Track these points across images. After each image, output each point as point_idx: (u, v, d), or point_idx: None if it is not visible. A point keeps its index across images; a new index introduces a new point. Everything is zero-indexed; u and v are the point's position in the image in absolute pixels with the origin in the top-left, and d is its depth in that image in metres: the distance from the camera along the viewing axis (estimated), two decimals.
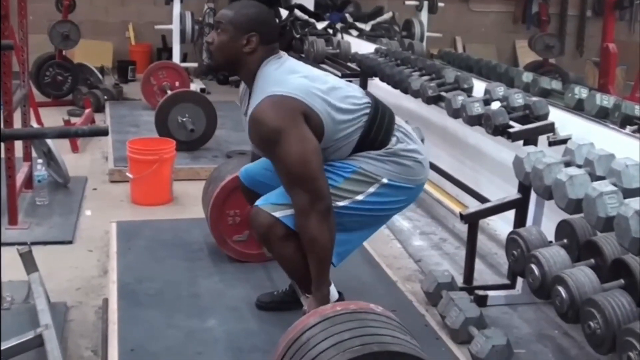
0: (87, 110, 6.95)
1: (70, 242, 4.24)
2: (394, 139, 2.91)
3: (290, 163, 2.71)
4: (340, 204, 2.83)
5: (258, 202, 2.92)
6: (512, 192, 3.63)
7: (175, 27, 8.59)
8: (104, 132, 2.73)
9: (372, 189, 2.87)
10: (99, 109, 7.59)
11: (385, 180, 2.87)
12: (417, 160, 2.95)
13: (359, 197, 2.86)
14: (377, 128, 2.89)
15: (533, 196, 3.43)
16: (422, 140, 4.29)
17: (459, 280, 3.65)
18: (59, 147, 5.16)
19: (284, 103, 2.73)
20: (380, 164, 2.88)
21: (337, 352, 2.06)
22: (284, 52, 2.98)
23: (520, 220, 3.57)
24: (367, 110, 2.88)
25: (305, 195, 2.72)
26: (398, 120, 3.00)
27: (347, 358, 2.03)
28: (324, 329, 2.18)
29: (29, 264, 3.28)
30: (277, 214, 2.83)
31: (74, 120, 6.71)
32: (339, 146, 2.85)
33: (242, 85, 3.10)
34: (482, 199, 4.15)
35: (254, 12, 2.92)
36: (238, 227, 3.82)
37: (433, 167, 4.84)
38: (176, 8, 8.53)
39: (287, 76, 2.82)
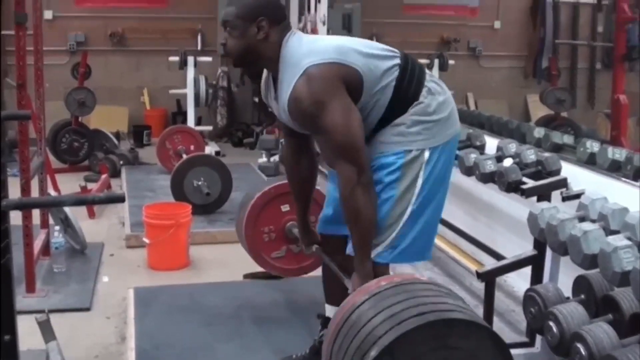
0: (104, 176, 7.00)
1: (87, 309, 4.23)
2: (424, 90, 2.89)
3: (336, 134, 2.73)
4: (410, 209, 2.86)
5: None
6: (527, 248, 3.62)
7: (189, 91, 8.69)
8: (120, 199, 2.75)
9: (421, 174, 2.88)
10: (115, 174, 7.64)
11: (427, 155, 2.87)
12: (446, 115, 2.93)
13: (416, 192, 2.87)
14: (410, 77, 2.89)
15: (549, 252, 3.42)
16: None
17: None
18: (76, 213, 5.19)
19: (321, 73, 2.72)
20: (414, 135, 2.87)
21: (391, 325, 2.02)
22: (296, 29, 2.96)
23: (536, 277, 3.55)
24: (398, 61, 2.89)
25: (351, 167, 2.73)
26: (428, 72, 3.00)
27: (404, 330, 1.99)
28: (373, 306, 2.13)
29: (47, 332, 3.28)
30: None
31: (90, 186, 6.76)
32: (377, 99, 2.84)
33: (264, 76, 3.08)
34: (497, 256, 4.14)
35: None
36: (274, 244, 3.80)
37: (448, 225, 4.88)
38: (190, 73, 8.64)
39: (314, 45, 2.82)
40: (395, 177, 2.85)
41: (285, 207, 3.74)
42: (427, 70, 3.00)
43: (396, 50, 2.94)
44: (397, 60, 2.89)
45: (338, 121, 2.70)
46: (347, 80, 2.74)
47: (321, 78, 2.71)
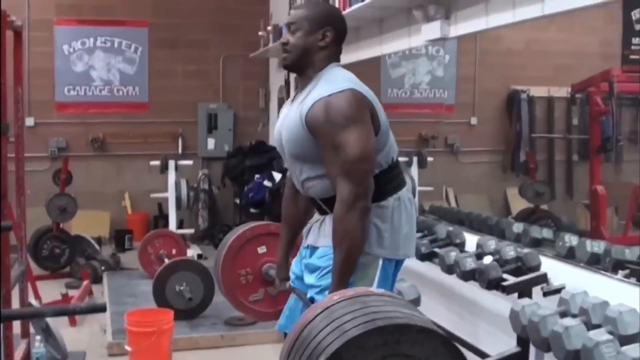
0: (85, 283, 6.96)
1: None
2: (393, 197, 2.96)
3: (353, 152, 2.76)
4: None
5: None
6: (512, 344, 3.62)
7: (170, 194, 8.70)
8: (101, 309, 2.76)
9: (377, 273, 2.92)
10: (97, 280, 7.59)
11: (380, 261, 2.92)
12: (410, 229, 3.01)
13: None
14: (398, 172, 3.01)
15: (532, 348, 3.42)
16: (419, 298, 4.31)
17: None
18: (57, 321, 5.12)
19: (360, 97, 2.83)
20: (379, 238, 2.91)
21: (340, 333, 1.96)
22: None
23: None
24: (396, 148, 3.01)
25: (353, 189, 2.76)
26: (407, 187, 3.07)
27: (351, 336, 1.93)
28: (325, 318, 2.08)
29: None
30: None
31: (72, 293, 6.71)
32: None
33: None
34: (481, 354, 4.12)
35: (326, 7, 3.08)
36: (252, 286, 3.75)
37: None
38: (171, 176, 8.68)
39: (356, 80, 2.92)
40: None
41: (261, 249, 3.73)
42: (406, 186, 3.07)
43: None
44: (396, 147, 3.02)
45: (360, 140, 2.77)
46: (372, 118, 2.86)
47: (358, 100, 2.82)
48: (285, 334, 3.30)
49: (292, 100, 3.06)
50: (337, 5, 5.62)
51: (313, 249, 3.09)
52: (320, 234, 3.04)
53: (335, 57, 3.02)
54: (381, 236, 2.92)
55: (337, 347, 1.93)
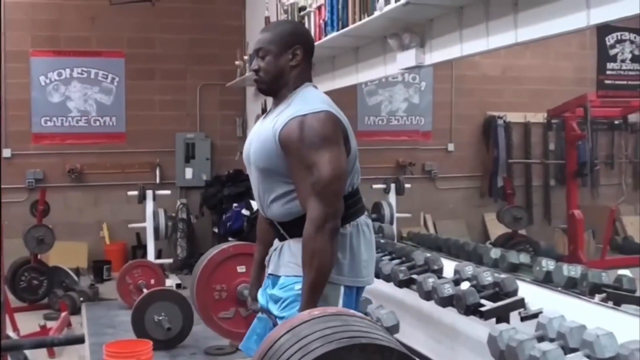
0: (63, 314, 6.90)
1: None
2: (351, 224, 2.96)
3: (326, 173, 2.77)
4: None
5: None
6: None
7: (148, 224, 8.69)
8: (79, 341, 2.76)
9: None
10: (75, 311, 7.53)
11: (342, 289, 2.93)
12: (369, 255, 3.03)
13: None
14: (358, 199, 3.02)
15: None
16: (398, 325, 4.32)
17: None
18: (36, 353, 5.09)
19: (335, 120, 2.85)
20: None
21: (303, 354, 1.96)
22: None
23: None
24: (359, 175, 3.03)
25: (324, 209, 2.76)
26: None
27: (315, 356, 1.93)
28: (291, 337, 2.07)
29: None
30: None
31: (50, 324, 6.66)
32: None
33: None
34: None
35: (290, 26, 3.11)
36: (224, 303, 3.74)
37: (410, 349, 4.86)
38: (149, 206, 8.66)
39: (331, 102, 2.94)
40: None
41: (241, 268, 3.73)
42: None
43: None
44: (358, 181, 3.03)
45: (332, 161, 2.78)
46: (345, 145, 2.88)
47: (333, 122, 2.84)
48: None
49: (265, 116, 3.07)
50: (312, 33, 5.66)
51: (275, 278, 3.08)
52: (280, 263, 3.03)
53: (308, 74, 3.05)
54: (340, 263, 2.91)
55: None
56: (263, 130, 2.98)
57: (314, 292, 2.80)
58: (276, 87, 3.04)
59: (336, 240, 2.82)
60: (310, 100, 2.90)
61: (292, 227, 2.95)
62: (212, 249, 3.87)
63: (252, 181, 3.12)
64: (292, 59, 2.98)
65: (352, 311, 2.30)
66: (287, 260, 2.97)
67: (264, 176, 3.00)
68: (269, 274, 3.12)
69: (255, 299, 3.32)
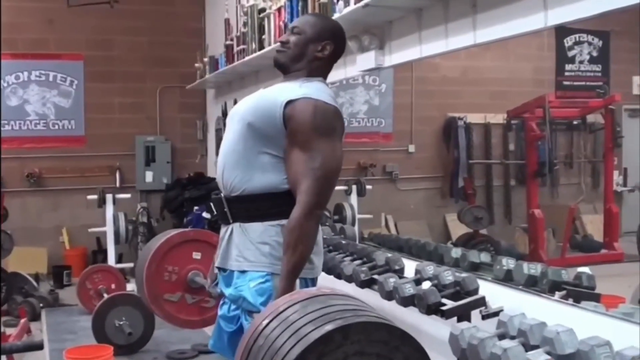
0: (23, 320, 6.80)
1: None
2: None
3: (330, 162, 2.82)
4: None
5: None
6: None
7: (109, 229, 8.61)
8: (38, 347, 2.72)
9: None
10: (35, 317, 7.44)
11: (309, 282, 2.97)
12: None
13: None
14: None
15: None
16: None
17: None
18: None
19: (342, 118, 2.94)
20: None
21: (296, 340, 1.94)
22: None
23: None
24: None
25: (318, 196, 2.80)
26: None
27: (305, 346, 1.92)
28: (281, 322, 2.06)
29: None
30: None
31: (9, 331, 6.57)
32: None
33: None
34: None
35: (333, 24, 3.13)
36: (172, 286, 3.69)
37: None
38: (109, 210, 8.59)
39: (338, 104, 2.97)
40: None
41: (197, 255, 3.68)
42: None
43: None
44: None
45: (336, 154, 2.85)
46: None
47: (341, 120, 2.93)
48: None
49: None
50: (272, 35, 5.65)
51: (224, 272, 3.07)
52: (229, 255, 3.04)
53: (325, 72, 3.09)
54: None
55: (299, 352, 1.92)
56: (266, 94, 3.01)
57: (294, 276, 2.82)
58: (293, 66, 3.06)
59: (318, 227, 2.89)
60: (322, 93, 2.92)
61: (238, 207, 3.00)
62: (174, 229, 3.84)
63: (226, 146, 3.08)
64: (320, 50, 3.01)
65: (328, 290, 2.30)
66: (234, 253, 2.99)
67: (247, 135, 2.96)
68: (218, 267, 3.12)
69: (214, 282, 3.31)
